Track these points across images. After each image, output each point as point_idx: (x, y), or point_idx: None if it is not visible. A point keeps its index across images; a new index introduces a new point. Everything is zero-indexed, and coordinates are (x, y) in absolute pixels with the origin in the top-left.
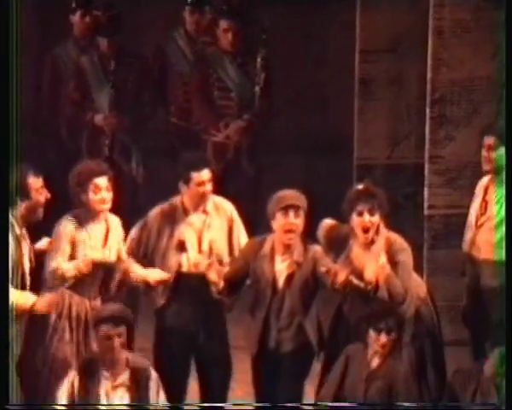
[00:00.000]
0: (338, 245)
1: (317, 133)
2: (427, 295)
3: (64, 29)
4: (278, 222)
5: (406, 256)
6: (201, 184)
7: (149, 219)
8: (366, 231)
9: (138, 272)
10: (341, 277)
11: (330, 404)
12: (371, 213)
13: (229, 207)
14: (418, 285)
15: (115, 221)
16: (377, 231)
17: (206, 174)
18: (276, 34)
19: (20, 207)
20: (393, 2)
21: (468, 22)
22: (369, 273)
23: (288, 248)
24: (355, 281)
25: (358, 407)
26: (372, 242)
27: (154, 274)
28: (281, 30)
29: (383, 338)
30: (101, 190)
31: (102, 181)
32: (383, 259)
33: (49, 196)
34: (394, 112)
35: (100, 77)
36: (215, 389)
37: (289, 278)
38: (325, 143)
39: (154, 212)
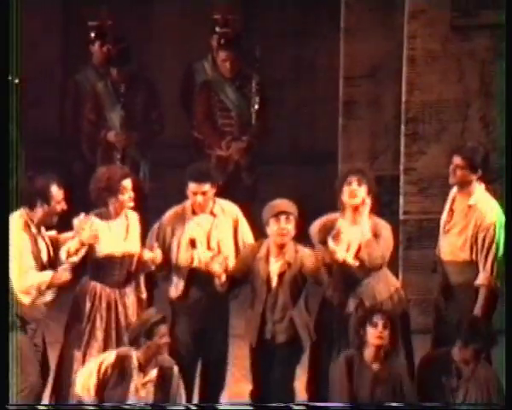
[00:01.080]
0: (325, 231)
1: (306, 148)
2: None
3: (84, 57)
4: (271, 228)
5: (388, 233)
6: (203, 193)
7: (164, 221)
8: (353, 196)
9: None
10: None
11: (328, 404)
12: (359, 184)
13: (234, 209)
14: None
15: (134, 217)
16: (363, 205)
17: (203, 186)
18: (270, 62)
19: (38, 211)
20: (372, 34)
21: (438, 51)
22: (356, 245)
23: (280, 250)
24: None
25: (358, 407)
26: (359, 214)
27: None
28: (274, 58)
29: (380, 331)
30: (128, 190)
31: (128, 183)
32: (368, 234)
33: (65, 207)
34: (373, 130)
35: (112, 99)
36: (212, 387)
37: (281, 276)
38: (313, 156)
39: (169, 213)
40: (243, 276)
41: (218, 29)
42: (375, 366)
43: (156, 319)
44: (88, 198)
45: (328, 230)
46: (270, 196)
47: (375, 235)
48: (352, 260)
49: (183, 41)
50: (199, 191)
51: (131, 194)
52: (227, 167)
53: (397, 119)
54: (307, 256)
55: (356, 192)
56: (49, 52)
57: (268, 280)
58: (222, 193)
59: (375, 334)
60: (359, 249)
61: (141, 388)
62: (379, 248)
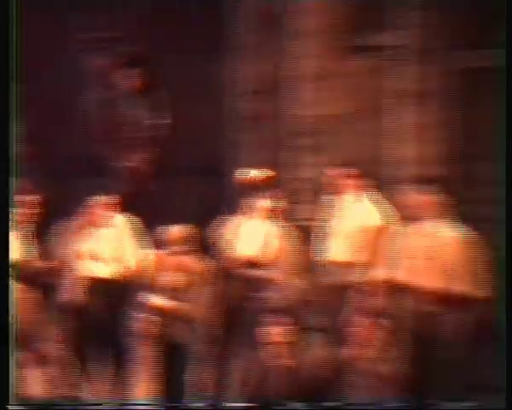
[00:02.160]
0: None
1: (206, 157)
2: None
3: None
4: (167, 252)
5: (280, 238)
6: (102, 207)
7: (64, 233)
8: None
9: None
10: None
11: (328, 404)
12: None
13: (135, 220)
14: None
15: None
16: (264, 211)
17: (107, 199)
18: (172, 80)
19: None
20: (261, 54)
21: (325, 70)
22: (258, 248)
23: (176, 269)
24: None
25: (357, 407)
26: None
27: None
28: (176, 76)
29: (282, 329)
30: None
31: (34, 198)
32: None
33: None
34: (265, 141)
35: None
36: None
37: (179, 289)
38: (211, 164)
39: (70, 225)
40: (145, 285)
41: (107, 47)
42: (280, 362)
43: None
44: None
45: (227, 230)
46: (171, 205)
47: (269, 239)
48: (251, 259)
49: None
50: (101, 204)
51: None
52: (133, 178)
53: (287, 132)
54: (203, 269)
55: (267, 204)
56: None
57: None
58: (127, 202)
59: (276, 331)
60: (256, 252)
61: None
62: (273, 251)
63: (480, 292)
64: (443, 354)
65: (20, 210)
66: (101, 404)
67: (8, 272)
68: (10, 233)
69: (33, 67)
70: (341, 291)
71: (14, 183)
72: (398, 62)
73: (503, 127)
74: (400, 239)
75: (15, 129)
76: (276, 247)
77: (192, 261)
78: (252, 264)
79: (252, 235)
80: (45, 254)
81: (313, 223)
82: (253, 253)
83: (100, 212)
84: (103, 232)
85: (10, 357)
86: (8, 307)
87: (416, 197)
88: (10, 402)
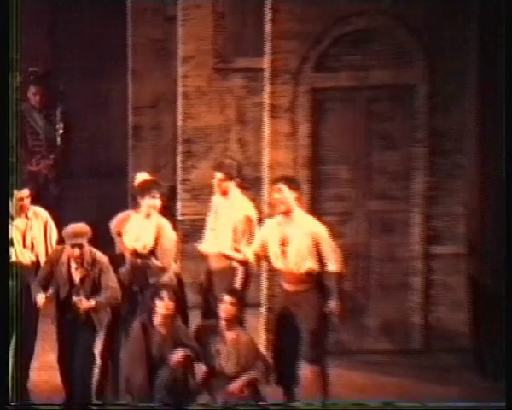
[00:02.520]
0: (121, 226)
1: (102, 164)
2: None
3: None
4: (68, 249)
5: (170, 233)
6: (20, 199)
7: None
8: (153, 208)
9: None
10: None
11: (330, 402)
12: (153, 197)
13: (44, 214)
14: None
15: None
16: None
17: (23, 193)
18: (72, 94)
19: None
20: (154, 74)
21: (204, 88)
22: (143, 239)
23: (79, 261)
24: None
25: (356, 407)
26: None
27: None
28: (75, 91)
29: (166, 303)
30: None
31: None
32: (153, 231)
33: None
34: (156, 149)
35: None
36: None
37: (82, 279)
38: (108, 170)
39: None
40: (49, 274)
41: (16, 68)
42: (163, 330)
43: None
44: None
45: (122, 224)
46: (74, 204)
47: (162, 231)
48: (141, 249)
49: None
50: (24, 197)
51: None
52: (37, 180)
53: (174, 140)
54: (103, 262)
55: (154, 203)
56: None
57: (71, 281)
58: (34, 201)
59: (161, 305)
60: (149, 241)
61: None
62: (165, 241)
63: (336, 268)
64: (307, 326)
65: None
66: (102, 404)
67: (8, 272)
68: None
69: None
70: (214, 274)
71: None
72: (263, 82)
73: (502, 131)
74: (264, 229)
75: None
76: (159, 238)
77: (92, 253)
78: (140, 253)
79: (140, 229)
80: None
81: (196, 218)
82: (141, 244)
83: (22, 204)
84: (23, 221)
85: (10, 357)
86: (8, 307)
87: (278, 194)
88: (10, 402)
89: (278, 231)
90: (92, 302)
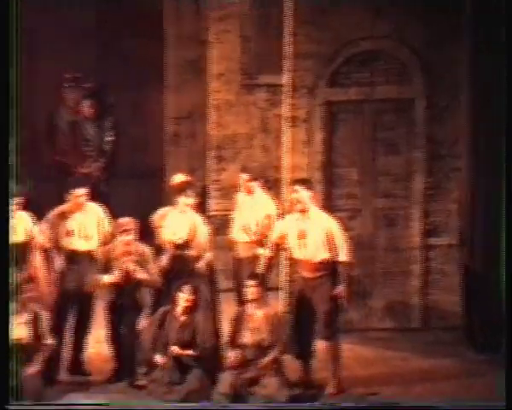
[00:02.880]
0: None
1: (143, 166)
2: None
3: None
4: (119, 238)
5: (202, 227)
6: (78, 196)
7: (50, 217)
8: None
9: None
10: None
11: (327, 404)
12: (193, 196)
13: (98, 209)
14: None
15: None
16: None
17: (81, 191)
18: (119, 106)
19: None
20: (188, 89)
21: (233, 101)
22: (183, 233)
23: (127, 252)
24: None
25: (358, 407)
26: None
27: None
28: (121, 104)
29: (186, 297)
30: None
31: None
32: (188, 225)
33: None
34: (191, 153)
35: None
36: (82, 329)
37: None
38: (148, 172)
39: (53, 212)
40: (106, 265)
41: (70, 84)
42: (182, 318)
43: (22, 279)
44: None
45: (161, 219)
46: (120, 202)
47: (196, 225)
48: (178, 241)
49: (51, 94)
50: (74, 195)
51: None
52: (89, 180)
53: (206, 146)
54: (145, 252)
55: (189, 202)
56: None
57: (126, 272)
58: (88, 198)
59: (183, 297)
60: (184, 234)
61: (17, 326)
62: (201, 242)
63: (345, 257)
64: (321, 307)
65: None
66: (101, 404)
67: (7, 274)
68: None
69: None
70: (241, 262)
71: (13, 188)
72: (283, 96)
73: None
74: (283, 223)
75: (14, 140)
76: (193, 232)
77: (138, 245)
78: (177, 245)
79: (177, 223)
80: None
81: (225, 214)
82: (178, 236)
83: (79, 200)
84: (81, 215)
85: (10, 357)
86: (7, 307)
87: (295, 195)
88: (10, 402)
89: (296, 226)
90: (145, 275)
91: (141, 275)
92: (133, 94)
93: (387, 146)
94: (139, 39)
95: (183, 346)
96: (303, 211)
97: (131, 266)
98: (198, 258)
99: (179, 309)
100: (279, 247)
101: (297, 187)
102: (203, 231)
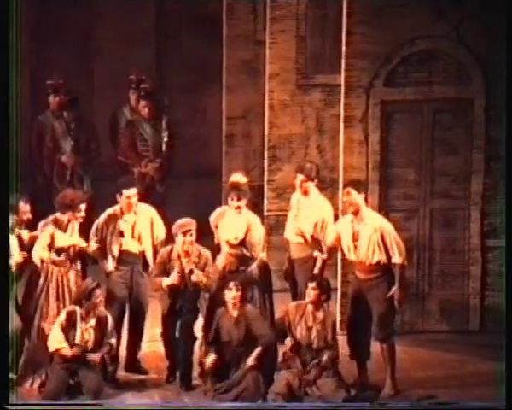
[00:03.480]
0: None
1: (201, 166)
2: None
3: (45, 104)
4: (180, 239)
5: (259, 227)
6: (129, 197)
7: (101, 219)
8: (236, 208)
9: None
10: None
11: (330, 404)
12: (238, 199)
13: (152, 211)
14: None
15: (76, 224)
16: (246, 208)
17: (131, 191)
18: (175, 107)
19: (12, 219)
20: (244, 89)
21: (288, 101)
22: (238, 233)
23: (187, 253)
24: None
25: (361, 407)
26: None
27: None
28: (178, 104)
29: (233, 294)
30: (82, 210)
31: (83, 205)
32: (244, 225)
33: (30, 217)
34: (246, 153)
35: (64, 133)
36: (137, 329)
37: (190, 271)
38: (204, 171)
39: (104, 214)
40: (163, 269)
41: (134, 85)
42: (235, 313)
43: (92, 286)
44: (48, 204)
45: (218, 219)
46: (177, 201)
47: (250, 224)
48: (233, 241)
49: (112, 94)
50: (125, 196)
51: (83, 214)
52: (145, 180)
53: (262, 146)
54: (208, 257)
55: (236, 205)
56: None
57: (183, 273)
58: (142, 199)
59: (230, 295)
60: (240, 234)
61: (85, 331)
62: (255, 241)
63: (399, 259)
64: (377, 309)
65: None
66: (102, 405)
67: (7, 274)
68: (10, 236)
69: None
70: (295, 262)
71: (13, 185)
72: (339, 96)
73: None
74: (338, 225)
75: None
76: (249, 231)
77: (198, 248)
78: (232, 244)
79: (233, 223)
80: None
81: (280, 214)
82: (233, 236)
83: (130, 201)
84: (131, 216)
85: (10, 357)
86: (7, 308)
87: (347, 197)
88: (10, 402)
89: (350, 227)
90: (203, 278)
91: (199, 278)
92: (191, 94)
93: (445, 146)
94: (197, 40)
95: (239, 343)
96: (356, 213)
97: (191, 268)
98: (252, 258)
99: (229, 307)
100: (335, 249)
101: (349, 189)
102: (258, 230)
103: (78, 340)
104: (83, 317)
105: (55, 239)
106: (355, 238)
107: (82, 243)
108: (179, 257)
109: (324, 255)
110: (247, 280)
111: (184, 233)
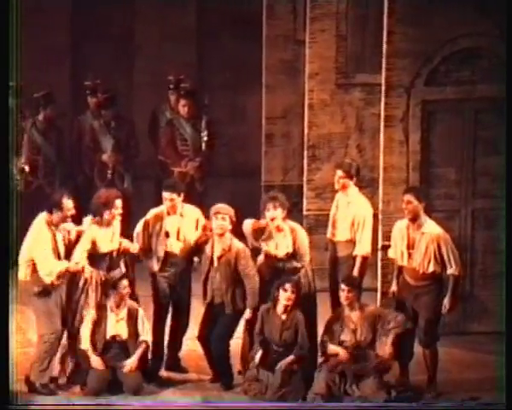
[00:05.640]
0: (258, 233)
1: (240, 166)
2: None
3: (85, 104)
4: (212, 223)
5: (303, 235)
6: (171, 200)
7: (147, 219)
8: (272, 219)
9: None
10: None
11: (331, 404)
12: (274, 208)
13: (197, 211)
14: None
15: (117, 224)
16: (284, 220)
17: (172, 195)
18: (215, 106)
19: (55, 216)
20: (284, 89)
21: (327, 101)
22: (283, 247)
23: (220, 239)
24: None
25: (358, 407)
26: (278, 228)
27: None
28: (217, 104)
29: (288, 295)
30: (119, 207)
31: (119, 202)
32: (290, 237)
33: (74, 213)
34: (286, 153)
35: (104, 132)
36: (180, 326)
37: (219, 258)
38: (244, 171)
39: (151, 213)
40: (193, 253)
41: (172, 86)
42: (283, 316)
43: (117, 277)
44: (88, 204)
45: (256, 229)
46: (216, 200)
47: (295, 238)
48: (283, 256)
49: (151, 92)
50: (169, 198)
51: (120, 210)
52: (185, 180)
53: (301, 146)
54: (241, 250)
55: (273, 215)
56: (63, 101)
57: (211, 259)
58: (184, 199)
59: (285, 296)
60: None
61: (115, 324)
62: (302, 249)
63: (454, 271)
64: (424, 315)
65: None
66: (102, 405)
67: (7, 271)
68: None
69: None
70: (337, 261)
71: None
72: (379, 95)
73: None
74: (395, 230)
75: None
76: (296, 242)
77: (231, 238)
78: (280, 258)
79: (278, 237)
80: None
81: (320, 213)
82: (283, 251)
83: (173, 203)
84: (176, 218)
85: (10, 357)
86: (7, 308)
87: (405, 205)
88: (10, 402)
89: (406, 234)
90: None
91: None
92: (231, 94)
93: (487, 146)
94: (238, 40)
95: (285, 346)
96: (414, 220)
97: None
98: (301, 268)
99: (280, 307)
100: (385, 250)
101: (408, 198)
102: (304, 238)
103: (110, 332)
104: (112, 309)
105: (96, 244)
106: (410, 246)
107: (126, 245)
108: (212, 241)
109: (365, 253)
110: (300, 284)
111: (215, 215)
